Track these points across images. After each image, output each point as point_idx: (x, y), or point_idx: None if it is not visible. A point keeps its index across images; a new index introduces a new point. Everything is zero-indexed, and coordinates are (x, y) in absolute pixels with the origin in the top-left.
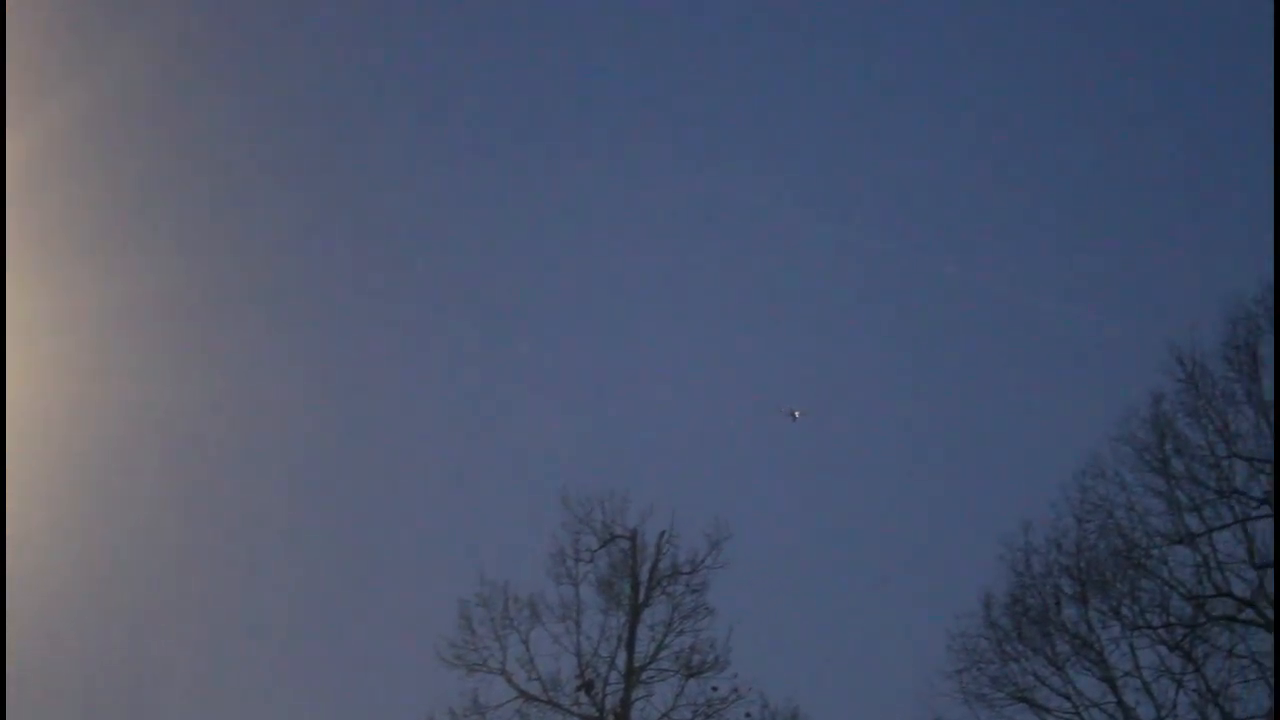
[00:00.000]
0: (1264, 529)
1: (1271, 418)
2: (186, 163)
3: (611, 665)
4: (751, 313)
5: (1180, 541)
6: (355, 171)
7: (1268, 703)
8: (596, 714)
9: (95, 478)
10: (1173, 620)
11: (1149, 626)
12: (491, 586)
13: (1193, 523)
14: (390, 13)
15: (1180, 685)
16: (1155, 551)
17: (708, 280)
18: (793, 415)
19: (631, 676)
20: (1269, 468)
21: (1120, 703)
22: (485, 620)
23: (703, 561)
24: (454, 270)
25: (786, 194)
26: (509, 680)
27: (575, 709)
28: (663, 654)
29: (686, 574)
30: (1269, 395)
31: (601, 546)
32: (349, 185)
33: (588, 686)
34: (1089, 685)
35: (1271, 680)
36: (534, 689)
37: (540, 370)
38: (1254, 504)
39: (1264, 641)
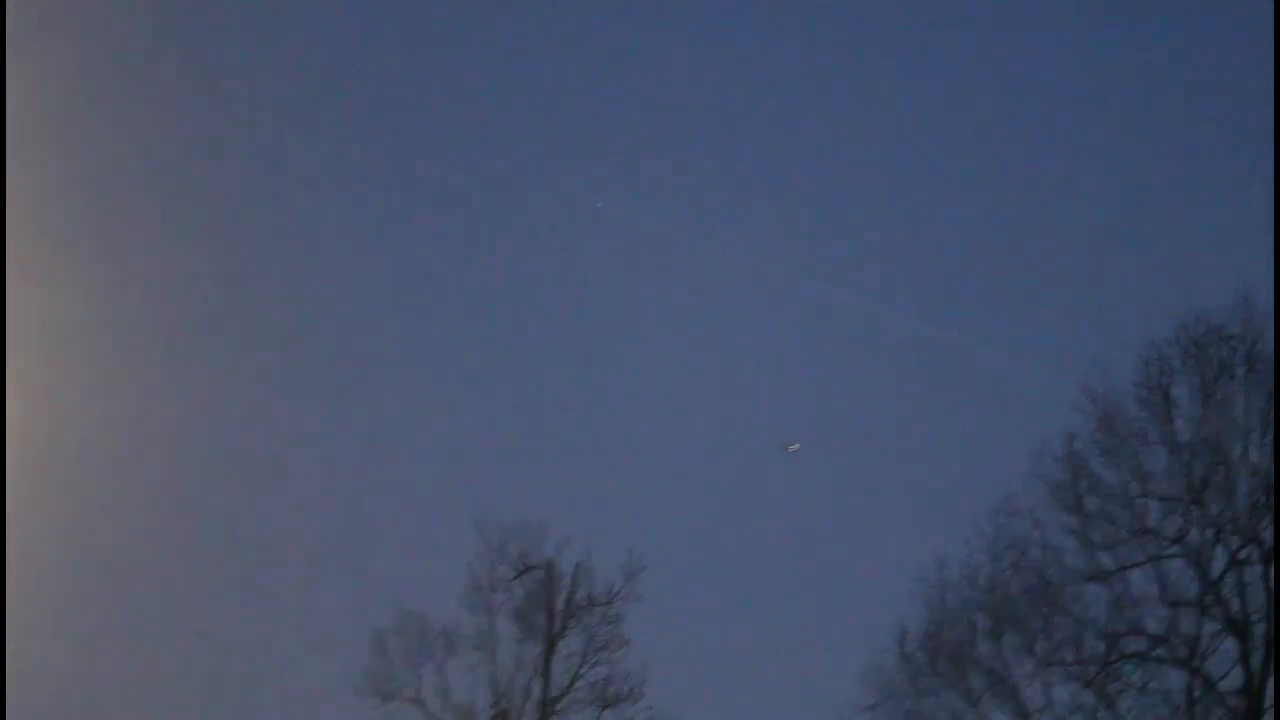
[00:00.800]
0: (1175, 567)
1: (1186, 457)
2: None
3: (526, 696)
4: (667, 341)
5: (1093, 579)
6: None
7: None
8: None
9: None
10: (1086, 657)
11: (1062, 663)
12: (407, 616)
13: (1106, 561)
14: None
15: None
16: (1069, 589)
17: (623, 311)
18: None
19: (546, 707)
20: (1181, 507)
21: None
22: (400, 649)
23: (618, 593)
24: (367, 293)
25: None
26: (423, 710)
27: None
28: (578, 685)
29: (602, 605)
30: (1182, 436)
31: (517, 577)
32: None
33: (502, 717)
34: None
35: (1185, 717)
36: (449, 719)
37: (457, 398)
38: (1166, 543)
39: (1175, 679)
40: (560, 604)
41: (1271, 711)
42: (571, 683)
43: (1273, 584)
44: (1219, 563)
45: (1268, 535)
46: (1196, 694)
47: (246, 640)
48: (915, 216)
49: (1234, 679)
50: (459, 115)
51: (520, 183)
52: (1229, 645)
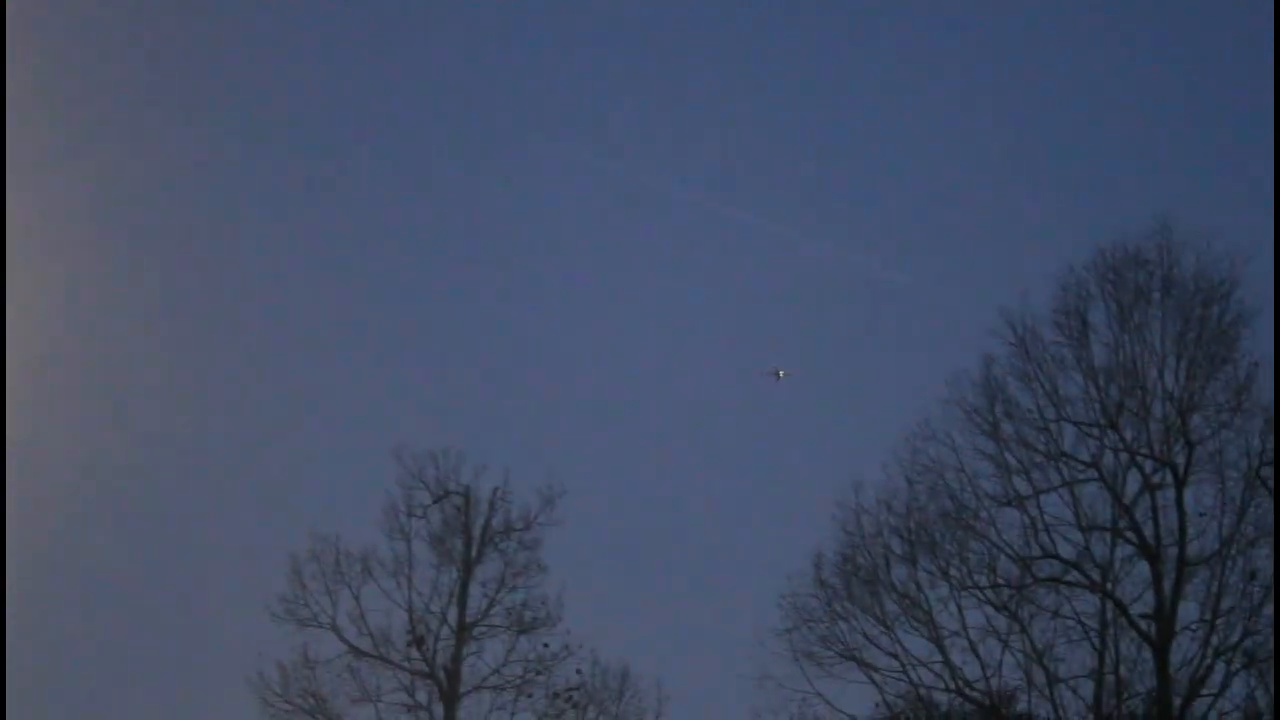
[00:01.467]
0: (1089, 492)
1: (1102, 382)
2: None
3: (443, 621)
4: (584, 268)
5: (1008, 504)
6: None
7: (1090, 663)
8: (427, 669)
9: None
10: (1000, 581)
11: (976, 587)
12: (323, 541)
13: (1021, 485)
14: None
15: (1006, 645)
16: (984, 513)
17: (540, 238)
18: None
19: (463, 632)
20: (1096, 431)
21: (947, 662)
22: (316, 575)
23: (536, 518)
24: (291, 222)
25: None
26: (339, 635)
27: (406, 664)
28: (494, 610)
29: (519, 530)
30: (1098, 361)
31: (435, 502)
32: None
33: (419, 642)
34: (917, 644)
35: (1097, 640)
36: (365, 644)
37: (376, 326)
38: (1081, 467)
39: (1088, 603)
40: (477, 530)
41: (1181, 634)
42: (488, 608)
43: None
44: (1133, 487)
45: (1181, 460)
46: (1109, 617)
47: (163, 566)
48: (836, 147)
49: (1145, 603)
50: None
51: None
52: (1141, 569)
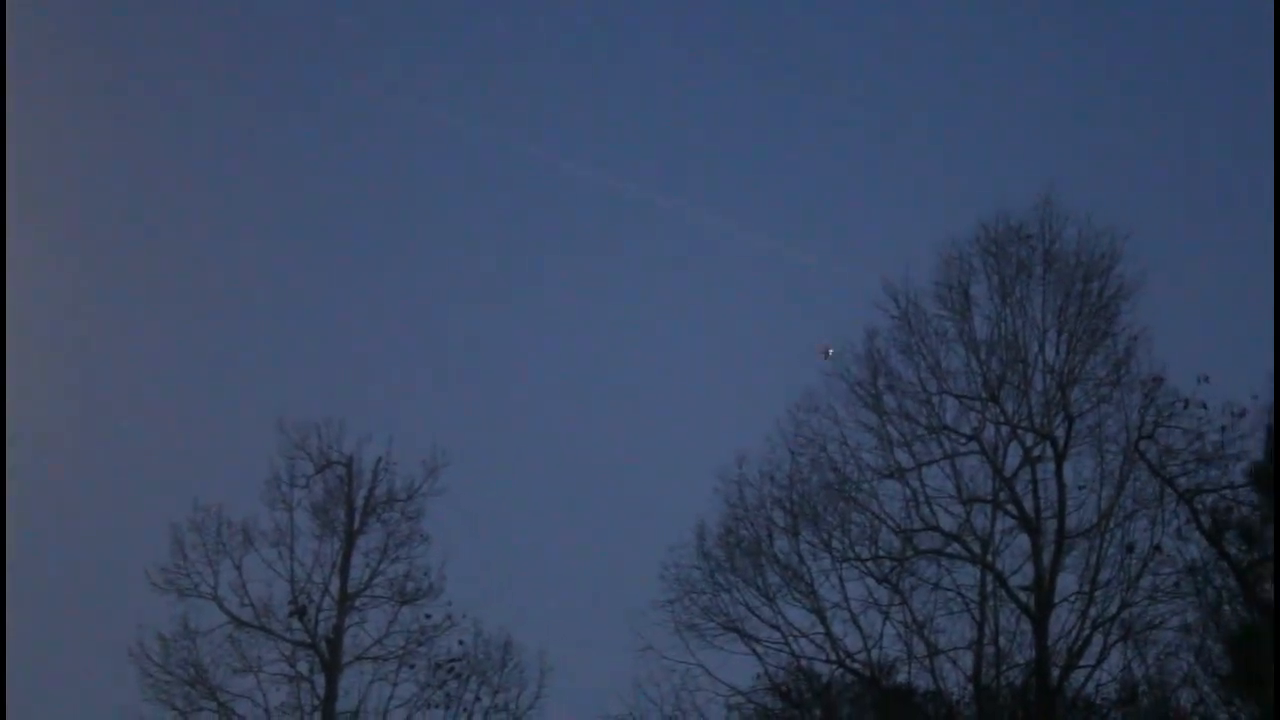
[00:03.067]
0: (970, 465)
1: (983, 355)
2: None
3: (325, 591)
4: (465, 236)
5: (890, 476)
6: None
7: (970, 634)
8: (308, 640)
9: None
10: (881, 553)
11: (858, 559)
12: (205, 511)
13: (903, 458)
14: None
15: (887, 617)
16: (866, 485)
17: (422, 208)
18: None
19: (345, 603)
20: (977, 404)
21: (828, 633)
22: (198, 545)
23: (418, 489)
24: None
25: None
26: (220, 606)
27: (287, 635)
28: (377, 581)
29: (402, 501)
30: (980, 334)
31: (317, 472)
32: None
33: (300, 612)
34: (799, 616)
35: (977, 612)
36: (246, 614)
37: (260, 295)
38: (962, 440)
39: (968, 575)
40: (360, 500)
41: (1059, 606)
42: (370, 579)
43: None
44: (1013, 460)
45: (1060, 433)
46: (989, 589)
47: (41, 535)
48: (720, 116)
49: (1025, 575)
50: None
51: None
52: (1021, 541)
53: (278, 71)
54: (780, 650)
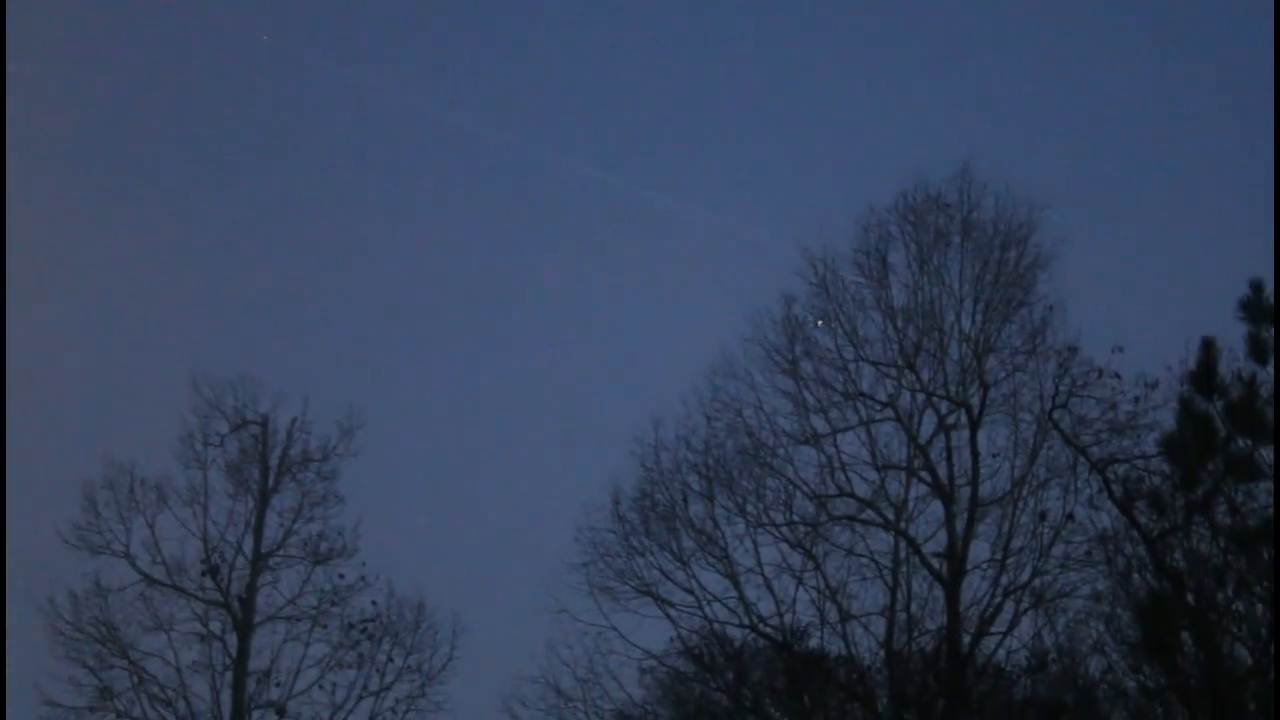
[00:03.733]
0: (886, 432)
1: (900, 323)
2: None
3: (239, 551)
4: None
5: (806, 442)
6: None
7: (883, 600)
8: (221, 599)
9: None
10: (796, 519)
11: (773, 524)
12: (117, 468)
13: (819, 424)
14: None
15: (800, 582)
16: (781, 451)
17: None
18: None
19: (258, 562)
20: (894, 372)
21: (741, 598)
22: (110, 502)
23: (334, 449)
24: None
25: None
26: (132, 564)
27: (200, 594)
28: (290, 540)
29: (317, 461)
30: (897, 302)
31: (232, 431)
32: None
33: (213, 571)
34: (712, 580)
35: (890, 578)
36: (158, 573)
37: (173, 249)
38: (878, 407)
39: (882, 541)
40: (274, 460)
41: (972, 573)
42: (284, 538)
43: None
44: (928, 427)
45: (975, 401)
46: (902, 555)
47: None
48: (635, 77)
49: (938, 542)
50: None
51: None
52: (935, 508)
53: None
54: (694, 614)
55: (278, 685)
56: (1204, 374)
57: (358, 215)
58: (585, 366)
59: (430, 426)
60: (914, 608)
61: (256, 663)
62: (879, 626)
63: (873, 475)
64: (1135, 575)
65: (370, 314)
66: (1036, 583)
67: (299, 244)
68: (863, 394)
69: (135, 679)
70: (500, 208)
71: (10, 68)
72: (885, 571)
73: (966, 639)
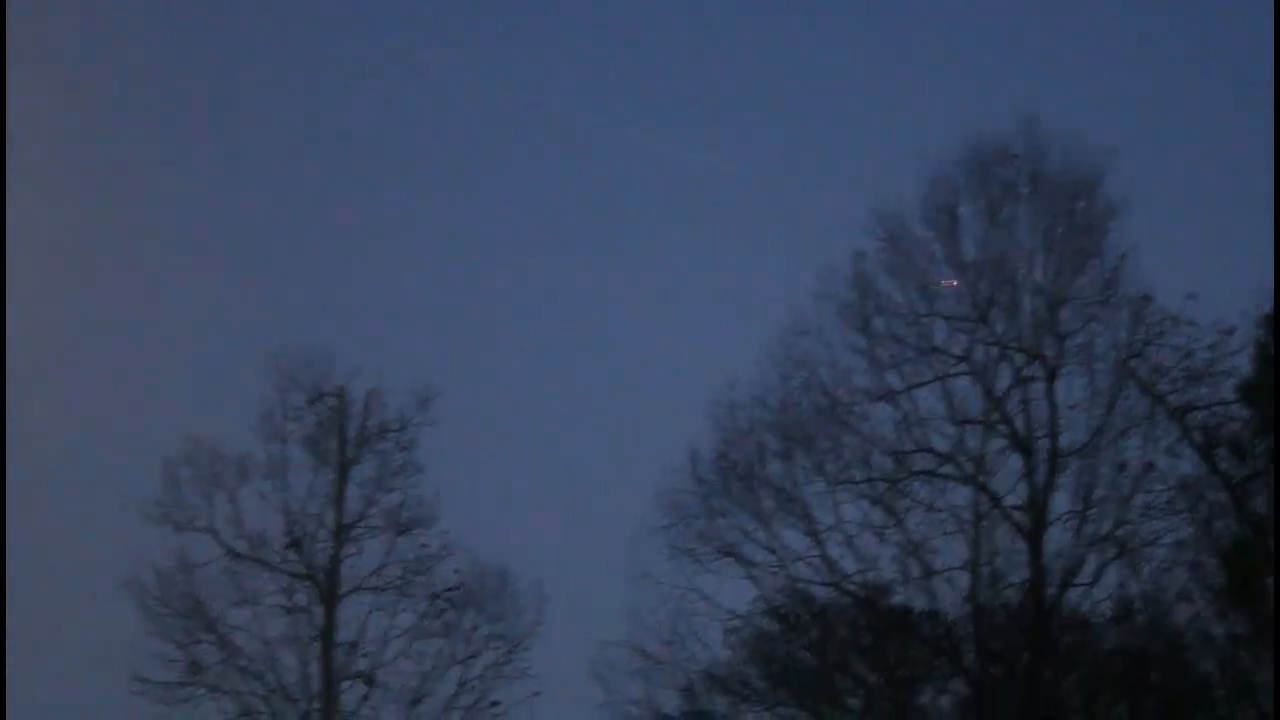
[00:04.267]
0: (961, 386)
1: (972, 277)
2: None
3: (320, 523)
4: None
5: (881, 399)
6: None
7: (966, 554)
8: (305, 571)
9: None
10: (874, 475)
11: (851, 481)
12: (198, 444)
13: (893, 380)
14: None
15: (882, 539)
16: (857, 408)
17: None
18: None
19: (340, 534)
20: (967, 326)
21: (824, 556)
22: (192, 478)
23: (411, 419)
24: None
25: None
26: (216, 538)
27: (283, 566)
28: (372, 512)
29: (395, 431)
30: (967, 255)
31: (310, 404)
32: None
33: (296, 544)
34: (794, 539)
35: (971, 532)
36: (242, 546)
37: (247, 224)
38: (952, 361)
39: (962, 496)
40: (353, 431)
41: (1054, 525)
42: (365, 509)
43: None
44: (1003, 380)
45: (1050, 353)
46: (982, 509)
47: (37, 469)
48: (698, 44)
49: (1018, 495)
50: None
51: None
52: (1014, 461)
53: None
54: (776, 574)
55: (365, 655)
56: None
57: (419, 190)
58: (662, 331)
59: (508, 395)
60: (997, 561)
61: (343, 634)
62: (962, 581)
63: (950, 430)
64: (1218, 522)
65: (445, 285)
66: (1119, 533)
67: (370, 218)
68: (936, 349)
69: (224, 653)
70: (567, 179)
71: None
72: (966, 526)
73: (1051, 591)
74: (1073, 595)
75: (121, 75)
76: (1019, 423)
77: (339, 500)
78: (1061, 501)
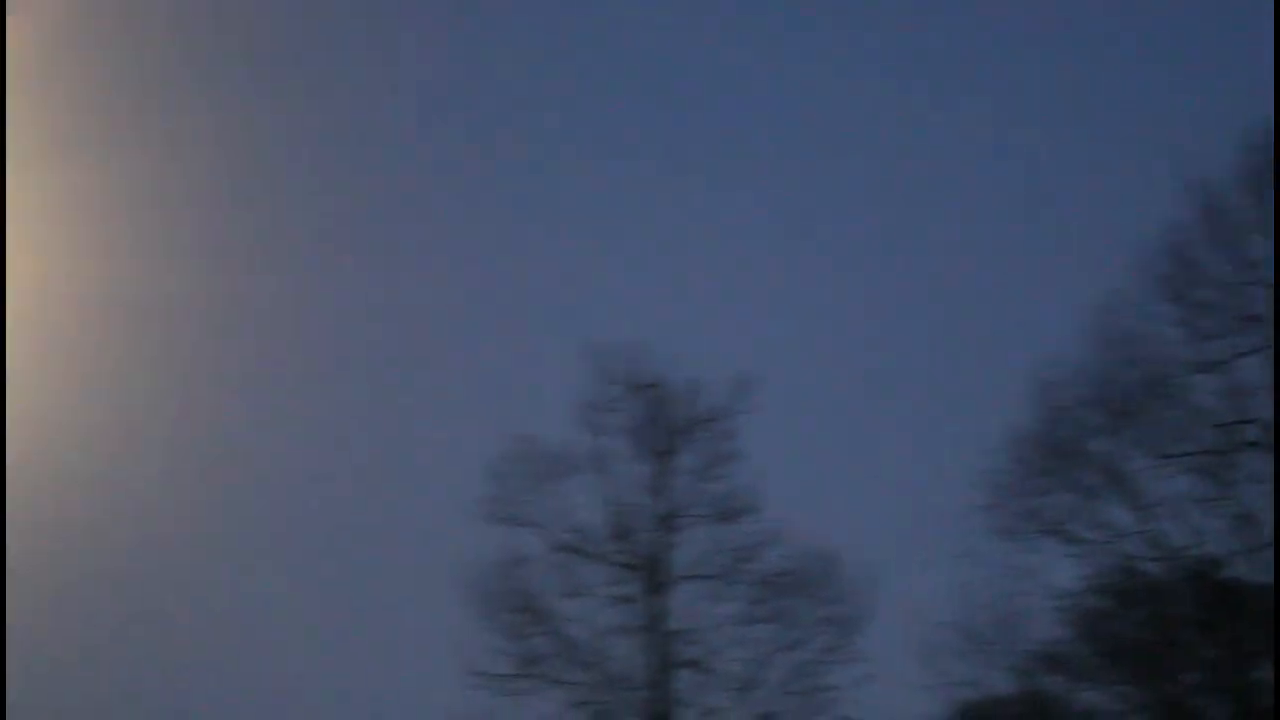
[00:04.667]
0: None
1: None
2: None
3: (645, 513)
4: (770, 156)
5: (1204, 370)
6: None
7: None
8: (633, 562)
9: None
10: (1203, 448)
11: (1178, 454)
12: (521, 440)
13: (1215, 351)
14: None
15: (1211, 511)
16: (1180, 380)
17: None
18: None
19: (666, 523)
20: None
21: (1152, 531)
22: (517, 474)
23: (732, 407)
24: (468, 115)
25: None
26: (543, 532)
27: (611, 557)
28: (695, 500)
29: (715, 420)
30: None
31: (629, 395)
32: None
33: (623, 535)
34: (1120, 515)
35: None
36: (569, 539)
37: (563, 219)
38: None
39: None
40: (673, 421)
41: None
42: (688, 499)
43: None
44: None
45: None
46: None
47: (367, 475)
48: (1008, 27)
49: None
50: None
51: None
52: None
53: None
54: (1104, 550)
55: (695, 643)
56: None
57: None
58: (974, 305)
59: (825, 378)
60: None
61: (673, 622)
62: None
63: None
64: None
65: (760, 270)
66: None
67: (685, 207)
68: (1258, 317)
69: (556, 645)
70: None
71: None
72: None
73: None
74: None
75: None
76: None
77: (663, 490)
78: None
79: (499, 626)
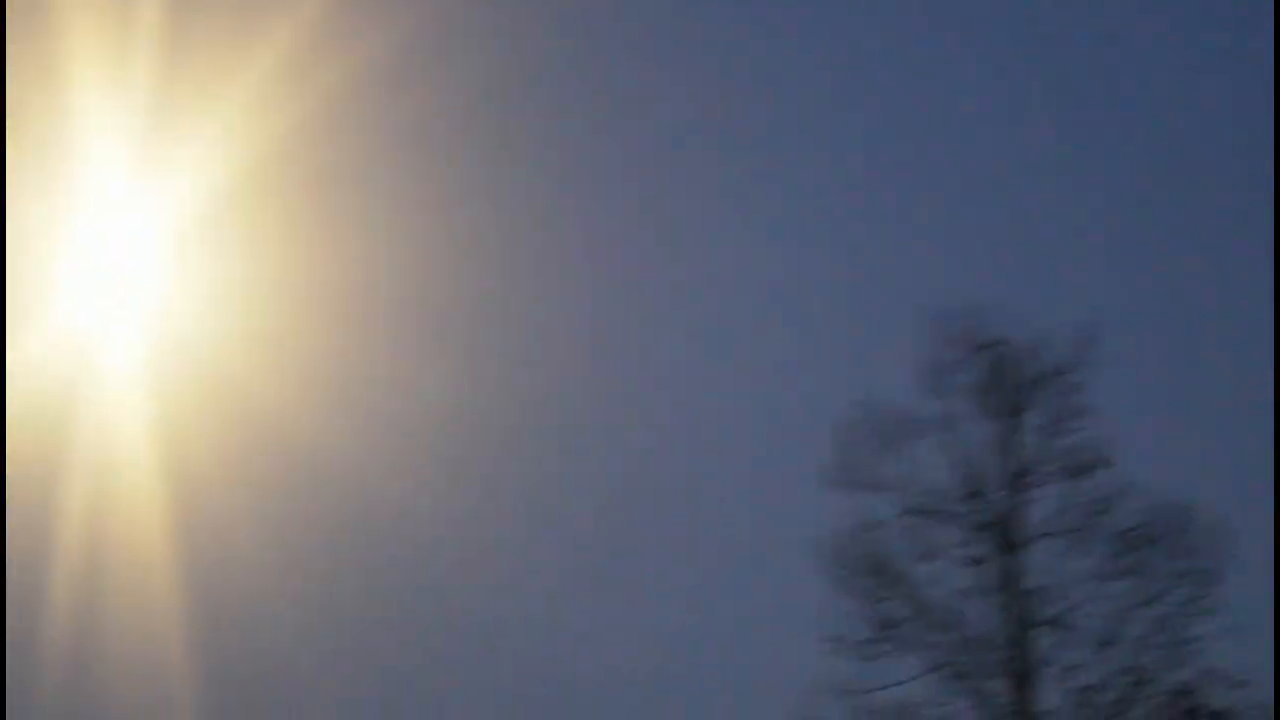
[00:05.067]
0: None
1: None
2: None
3: (994, 472)
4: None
5: None
6: None
7: None
8: (984, 522)
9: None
10: None
11: None
12: (865, 405)
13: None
14: None
15: None
16: None
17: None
18: None
19: (1016, 482)
20: None
21: None
22: (862, 440)
23: (1077, 362)
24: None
25: None
26: (893, 495)
27: (964, 519)
28: (1046, 457)
29: (1063, 374)
30: None
31: (973, 356)
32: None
33: (974, 495)
34: None
35: None
36: (919, 502)
37: (889, 184)
38: None
39: None
40: (1019, 379)
41: None
42: (1039, 456)
43: None
44: None
45: None
46: None
47: (708, 441)
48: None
49: None
50: None
51: None
52: None
53: None
54: None
55: (1052, 602)
56: None
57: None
58: None
59: (1171, 325)
60: None
61: (1028, 581)
62: None
63: None
64: None
65: (1097, 222)
66: None
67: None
68: None
69: (912, 608)
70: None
71: None
72: None
73: None
74: None
75: None
76: None
77: (1012, 449)
78: None
79: (853, 592)
